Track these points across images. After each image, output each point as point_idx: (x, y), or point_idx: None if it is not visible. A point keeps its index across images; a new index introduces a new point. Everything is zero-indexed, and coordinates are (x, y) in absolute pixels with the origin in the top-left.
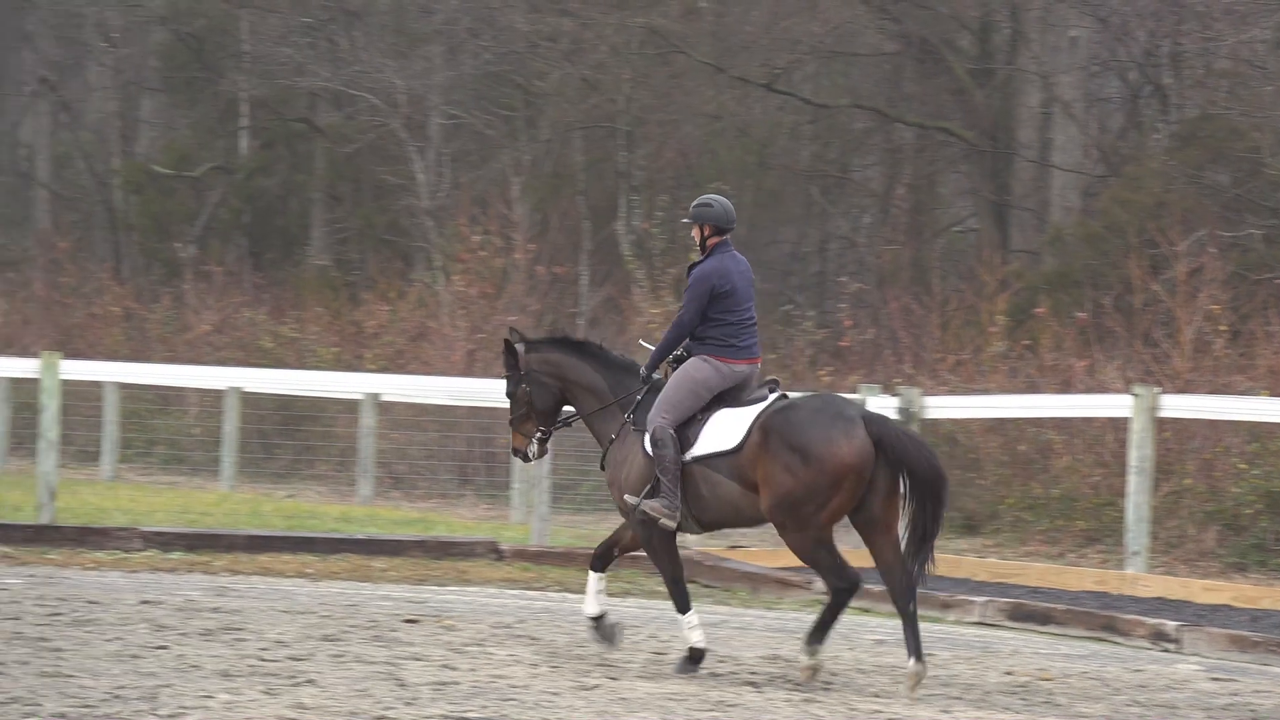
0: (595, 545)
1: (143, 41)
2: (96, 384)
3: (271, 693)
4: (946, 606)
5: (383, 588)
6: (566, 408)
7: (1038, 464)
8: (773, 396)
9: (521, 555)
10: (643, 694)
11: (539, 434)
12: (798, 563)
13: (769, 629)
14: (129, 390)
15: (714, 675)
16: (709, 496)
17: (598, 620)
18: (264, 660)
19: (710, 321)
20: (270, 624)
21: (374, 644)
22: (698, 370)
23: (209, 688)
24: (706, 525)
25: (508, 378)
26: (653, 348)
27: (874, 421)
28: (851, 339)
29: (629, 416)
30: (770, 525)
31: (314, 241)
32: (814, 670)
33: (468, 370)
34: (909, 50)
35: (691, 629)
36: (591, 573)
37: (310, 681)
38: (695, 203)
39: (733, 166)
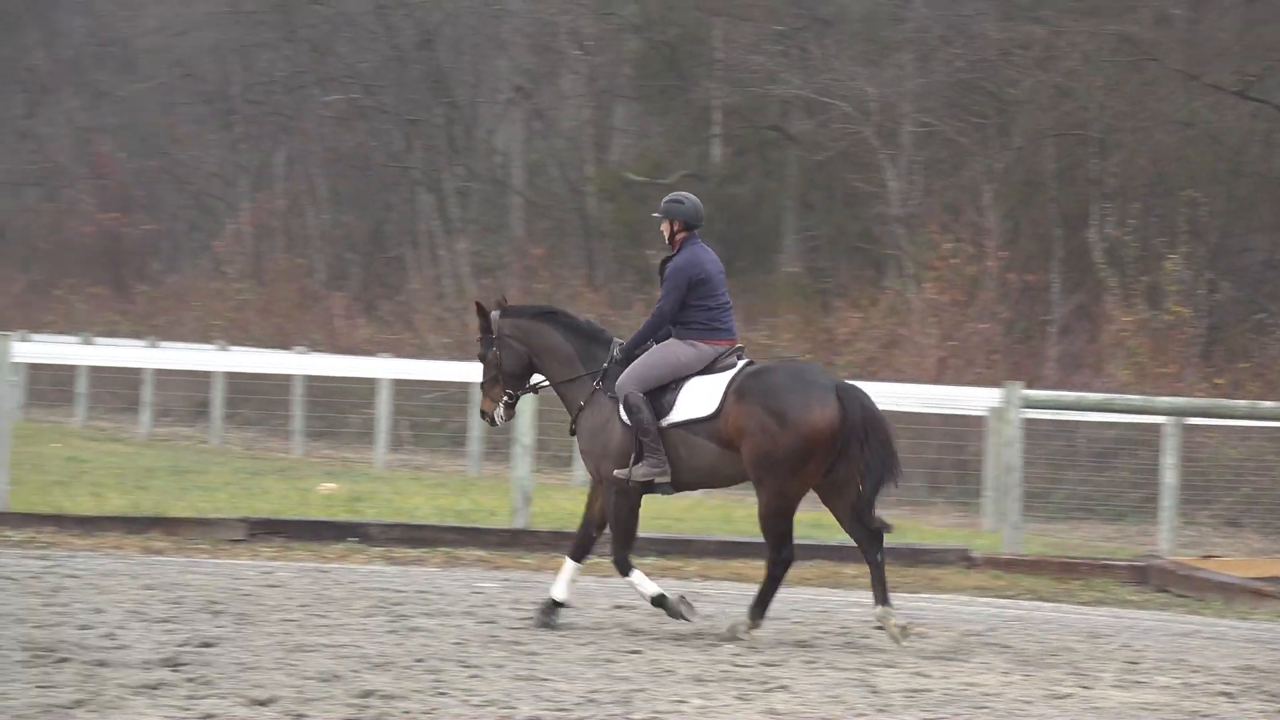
0: (1058, 552)
1: (616, 49)
2: None
3: (744, 698)
4: None
5: (854, 594)
6: (537, 376)
7: None
8: (741, 363)
9: (993, 563)
10: (1115, 703)
11: (506, 398)
12: (1271, 572)
13: (1243, 639)
14: None
15: (1187, 685)
16: (686, 459)
17: (558, 606)
18: (737, 666)
19: (692, 308)
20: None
21: (846, 650)
22: (680, 351)
23: (682, 692)
24: (681, 486)
25: (480, 340)
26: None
27: (845, 390)
28: None
29: (598, 383)
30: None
31: (786, 249)
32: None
33: (939, 377)
34: None
35: (643, 581)
36: (569, 561)
37: (783, 687)
38: (667, 199)
39: (1204, 174)
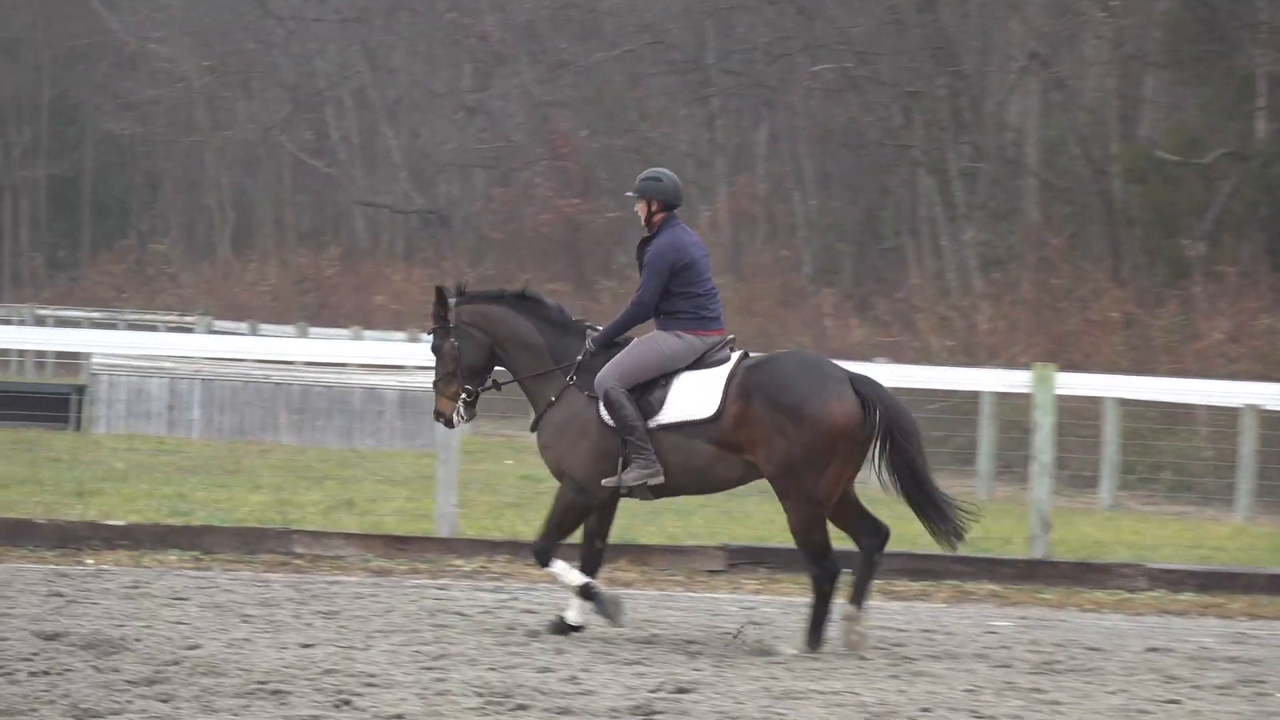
0: None
1: (1146, 10)
2: (1094, 399)
3: None
4: None
5: None
6: (498, 368)
7: None
8: (736, 355)
9: None
10: None
11: (464, 396)
12: None
13: None
14: (1130, 407)
15: None
16: (678, 465)
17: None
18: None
19: (677, 296)
20: None
21: None
22: (667, 344)
23: None
24: (662, 492)
25: (434, 331)
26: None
27: (860, 382)
28: None
29: (571, 377)
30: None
31: None
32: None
33: None
34: None
35: (566, 571)
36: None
37: None
38: (642, 176)
39: None
